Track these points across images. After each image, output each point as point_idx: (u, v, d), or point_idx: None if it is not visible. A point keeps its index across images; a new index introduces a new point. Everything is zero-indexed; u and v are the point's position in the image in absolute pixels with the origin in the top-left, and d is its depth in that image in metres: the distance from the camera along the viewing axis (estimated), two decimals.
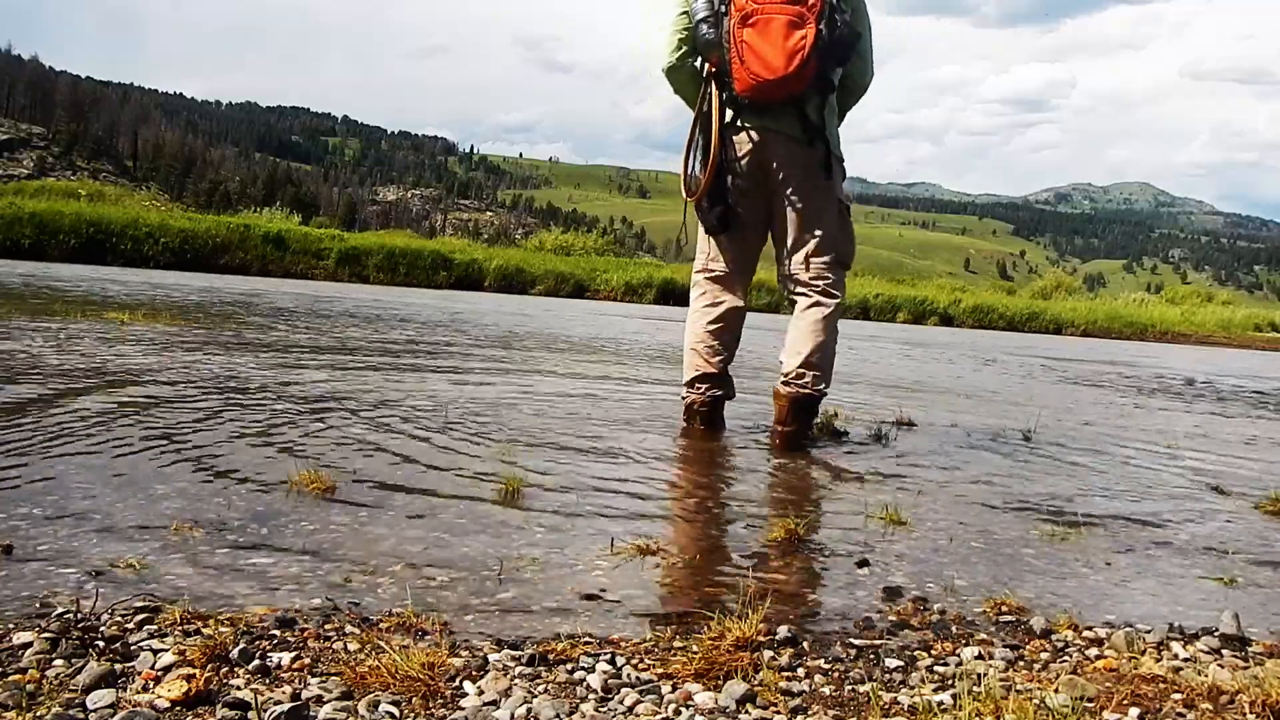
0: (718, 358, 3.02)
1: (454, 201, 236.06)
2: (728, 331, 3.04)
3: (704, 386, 3.02)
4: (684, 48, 2.91)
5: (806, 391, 2.88)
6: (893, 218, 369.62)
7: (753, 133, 2.86)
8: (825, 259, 2.94)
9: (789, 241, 2.96)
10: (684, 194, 3.00)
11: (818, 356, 2.89)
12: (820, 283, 2.94)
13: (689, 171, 2.98)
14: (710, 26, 2.76)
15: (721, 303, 3.03)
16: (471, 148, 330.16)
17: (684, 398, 3.10)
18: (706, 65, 2.88)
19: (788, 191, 2.90)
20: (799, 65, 2.66)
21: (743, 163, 2.88)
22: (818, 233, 2.93)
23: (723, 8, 2.74)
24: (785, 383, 2.90)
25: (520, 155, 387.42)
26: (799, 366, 2.88)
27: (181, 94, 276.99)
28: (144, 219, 17.74)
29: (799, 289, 2.96)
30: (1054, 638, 1.40)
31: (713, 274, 3.05)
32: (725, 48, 2.74)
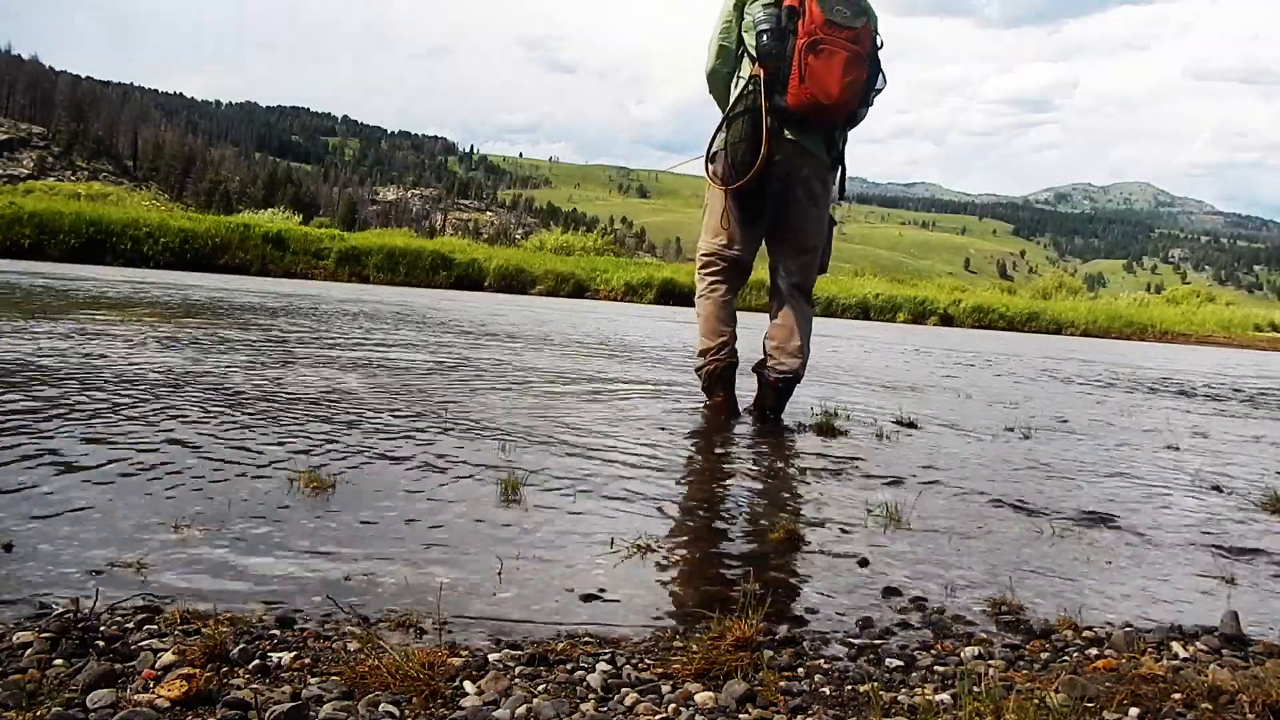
0: (728, 328, 3.31)
1: (454, 201, 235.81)
2: (733, 306, 3.36)
3: (723, 352, 3.28)
4: (725, 55, 3.20)
5: (795, 374, 3.30)
6: (893, 218, 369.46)
7: (790, 144, 3.11)
8: (816, 270, 3.37)
9: (793, 248, 3.31)
10: (715, 181, 3.21)
11: (809, 346, 3.35)
12: (809, 290, 3.38)
13: (724, 159, 3.14)
14: (774, 39, 2.96)
15: (731, 281, 3.33)
16: (472, 147, 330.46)
17: (699, 369, 3.35)
18: (751, 69, 3.08)
19: (803, 202, 3.21)
20: (850, 97, 2.97)
21: (776, 166, 3.11)
22: (816, 246, 3.32)
23: (790, 26, 2.95)
24: (779, 364, 3.29)
25: (520, 155, 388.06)
26: (794, 354, 3.29)
27: (181, 94, 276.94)
28: (144, 219, 17.78)
29: (793, 291, 3.33)
30: (1054, 638, 1.40)
31: (726, 255, 3.30)
32: (786, 62, 2.95)
